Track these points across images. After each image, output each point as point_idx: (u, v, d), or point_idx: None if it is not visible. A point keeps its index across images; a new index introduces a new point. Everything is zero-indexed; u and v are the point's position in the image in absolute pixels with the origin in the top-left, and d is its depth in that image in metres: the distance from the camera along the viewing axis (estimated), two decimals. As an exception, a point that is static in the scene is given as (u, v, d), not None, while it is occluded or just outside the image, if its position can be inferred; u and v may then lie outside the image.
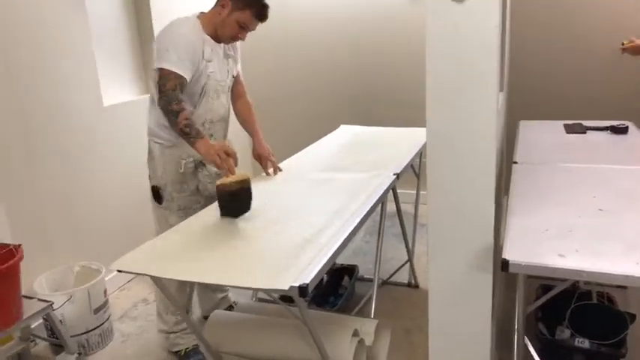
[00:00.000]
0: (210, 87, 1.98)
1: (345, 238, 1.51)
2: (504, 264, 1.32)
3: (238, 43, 2.14)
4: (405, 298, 2.61)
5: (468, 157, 1.45)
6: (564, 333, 2.06)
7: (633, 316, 2.00)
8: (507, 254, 1.34)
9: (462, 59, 1.40)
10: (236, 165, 1.79)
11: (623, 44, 2.83)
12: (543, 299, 1.56)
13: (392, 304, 2.54)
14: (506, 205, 1.69)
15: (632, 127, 2.54)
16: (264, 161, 2.18)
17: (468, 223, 1.49)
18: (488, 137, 1.43)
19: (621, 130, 2.51)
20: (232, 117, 2.22)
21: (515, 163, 2.11)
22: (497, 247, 1.68)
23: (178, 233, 1.63)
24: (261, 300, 2.11)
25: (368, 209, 1.71)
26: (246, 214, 1.72)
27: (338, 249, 1.45)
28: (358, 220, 1.63)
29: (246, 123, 2.27)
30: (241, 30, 1.97)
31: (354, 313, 2.41)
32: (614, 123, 2.57)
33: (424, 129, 2.65)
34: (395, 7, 3.48)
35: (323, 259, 1.38)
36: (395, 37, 3.54)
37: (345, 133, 2.78)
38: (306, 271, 1.32)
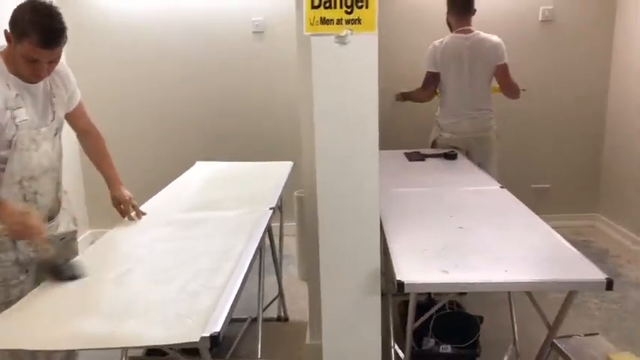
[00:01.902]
0: (22, 138, 1.64)
1: (243, 279, 1.45)
2: (400, 285, 1.40)
3: (70, 73, 1.87)
4: (278, 332, 2.58)
5: (355, 187, 1.53)
6: (430, 343, 2.25)
7: (482, 318, 2.28)
8: (400, 276, 1.43)
9: (347, 96, 1.48)
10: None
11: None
12: (426, 315, 1.70)
13: (265, 341, 2.49)
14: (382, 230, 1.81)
15: (459, 154, 2.94)
16: (126, 206, 1.97)
17: (356, 250, 1.56)
18: (373, 167, 1.53)
19: (452, 157, 2.89)
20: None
21: (377, 190, 2.27)
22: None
23: (40, 299, 1.38)
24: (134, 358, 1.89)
25: (256, 247, 1.67)
26: (121, 269, 1.54)
27: (239, 291, 1.38)
28: (249, 259, 1.58)
29: (100, 165, 2.02)
30: (32, 65, 1.58)
31: (229, 356, 2.31)
32: (446, 150, 2.95)
33: (285, 162, 2.69)
34: (240, 41, 3.52)
35: (227, 304, 1.30)
36: (243, 72, 3.57)
37: (204, 169, 2.69)
38: (212, 318, 1.23)
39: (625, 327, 2.52)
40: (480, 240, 1.70)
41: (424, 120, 3.31)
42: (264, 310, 2.59)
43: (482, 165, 3.13)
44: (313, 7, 1.48)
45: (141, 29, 3.53)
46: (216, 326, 1.19)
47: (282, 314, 2.68)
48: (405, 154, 2.99)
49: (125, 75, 3.60)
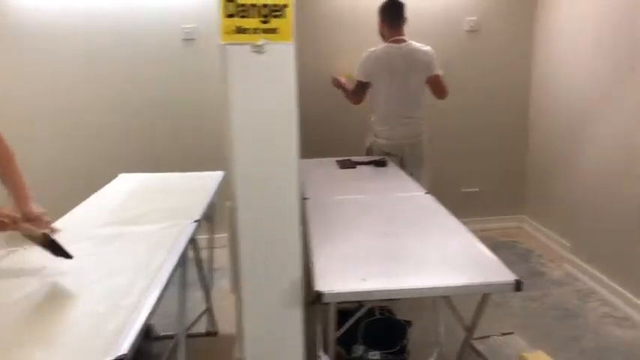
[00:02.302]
0: None
1: (158, 297, 1.39)
2: (318, 296, 1.40)
3: None
4: (207, 348, 2.52)
5: (274, 196, 1.52)
6: (359, 350, 2.26)
7: (410, 323, 2.32)
8: (319, 286, 1.43)
9: (265, 106, 1.47)
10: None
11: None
12: (348, 324, 1.71)
13: (193, 357, 2.42)
14: (307, 240, 1.80)
15: (389, 161, 3.00)
16: (38, 223, 1.86)
17: (276, 261, 1.55)
18: (292, 176, 1.52)
19: (382, 164, 2.94)
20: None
21: (306, 199, 2.27)
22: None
23: None
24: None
25: (176, 261, 1.62)
26: (25, 291, 1.45)
27: (152, 310, 1.33)
28: (167, 274, 1.52)
29: (5, 178, 1.88)
30: None
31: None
32: (376, 158, 3.00)
33: (216, 172, 2.63)
34: (169, 48, 3.43)
35: (135, 324, 1.24)
36: (171, 80, 3.48)
37: (128, 182, 2.59)
38: (119, 340, 1.18)
39: (544, 324, 2.64)
40: (401, 246, 1.72)
41: (362, 126, 3.35)
42: (192, 325, 2.54)
43: (416, 170, 3.22)
44: (228, 15, 1.46)
45: (61, 31, 3.35)
46: (122, 349, 1.14)
47: (212, 329, 2.62)
48: (337, 161, 3.02)
49: (43, 82, 3.40)
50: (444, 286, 1.43)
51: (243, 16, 1.46)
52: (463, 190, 3.95)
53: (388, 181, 2.63)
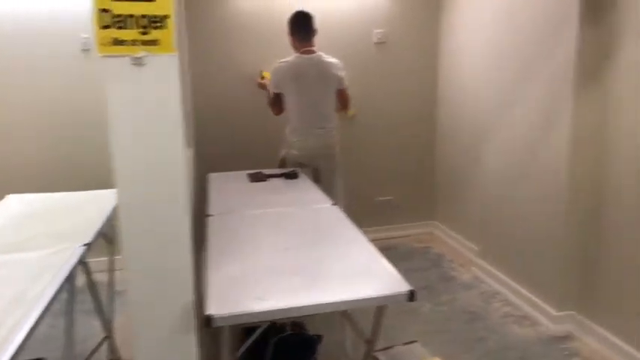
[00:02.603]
0: None
1: (30, 329, 1.27)
2: (208, 320, 1.34)
3: None
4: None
5: (161, 218, 1.44)
6: (270, 368, 2.21)
7: (321, 338, 2.30)
8: (210, 309, 1.36)
9: (147, 122, 1.39)
10: None
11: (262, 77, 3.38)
12: (246, 345, 1.65)
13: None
14: (205, 259, 1.73)
15: (300, 173, 2.98)
16: None
17: (167, 286, 1.48)
18: (180, 196, 1.45)
19: (293, 176, 2.92)
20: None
21: (209, 215, 2.20)
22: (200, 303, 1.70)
23: None
24: None
25: (55, 290, 1.49)
26: None
27: (22, 343, 1.20)
28: (43, 304, 1.39)
29: None
30: None
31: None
32: (286, 170, 2.97)
33: (111, 190, 2.46)
34: (67, 60, 3.23)
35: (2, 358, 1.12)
36: (68, 92, 3.27)
37: (14, 204, 2.39)
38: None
39: (452, 328, 2.72)
40: (302, 261, 1.70)
41: (279, 138, 3.32)
42: (91, 354, 2.37)
43: (330, 180, 3.25)
44: (103, 27, 1.38)
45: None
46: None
47: (113, 356, 2.45)
48: (248, 175, 2.96)
49: None
50: (338, 301, 1.41)
51: (120, 27, 1.38)
52: (377, 199, 4.01)
53: (297, 194, 2.61)
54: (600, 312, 2.49)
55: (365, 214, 3.90)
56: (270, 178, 2.90)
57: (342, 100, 3.24)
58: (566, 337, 2.59)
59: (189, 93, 3.06)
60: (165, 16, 1.40)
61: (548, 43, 2.58)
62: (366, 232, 1.92)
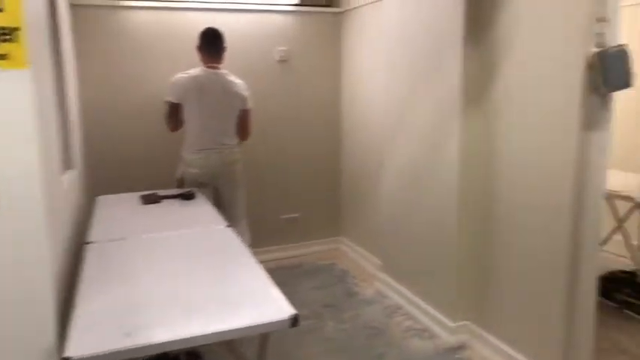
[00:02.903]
0: None
1: None
2: (66, 362, 1.21)
3: None
4: None
5: (13, 252, 1.29)
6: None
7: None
8: (68, 350, 1.23)
9: (-11, 144, 1.25)
10: None
11: None
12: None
13: None
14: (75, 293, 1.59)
15: (197, 193, 2.87)
16: None
17: (25, 328, 1.32)
18: (39, 226, 1.31)
19: (189, 197, 2.80)
20: None
21: (89, 243, 2.03)
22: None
23: None
24: None
25: None
26: None
27: None
28: None
29: None
30: None
31: None
32: (183, 191, 2.85)
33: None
34: None
35: None
36: None
37: None
38: None
39: (354, 345, 2.72)
40: (183, 289, 1.60)
41: (175, 157, 3.19)
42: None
43: (232, 199, 3.17)
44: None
45: None
46: None
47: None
48: (141, 196, 2.80)
49: None
50: (211, 333, 1.33)
51: (-38, 39, 1.23)
52: (283, 216, 3.97)
53: (191, 216, 2.50)
54: (491, 321, 2.59)
55: (270, 232, 3.87)
56: (165, 200, 2.76)
57: (245, 122, 3.19)
58: (461, 347, 2.67)
59: (75, 111, 2.86)
60: (16, 29, 1.27)
61: (438, 63, 2.69)
62: (271, 251, 1.88)
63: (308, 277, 3.60)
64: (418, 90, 2.89)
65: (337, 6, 3.89)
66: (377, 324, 2.94)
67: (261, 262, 3.37)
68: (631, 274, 3.15)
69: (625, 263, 3.35)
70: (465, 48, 2.49)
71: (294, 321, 1.42)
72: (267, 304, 1.50)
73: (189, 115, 3.04)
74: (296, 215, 4.02)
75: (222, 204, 3.23)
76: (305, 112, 3.93)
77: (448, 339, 2.72)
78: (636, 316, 2.88)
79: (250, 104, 3.17)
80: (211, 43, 3.06)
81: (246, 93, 3.13)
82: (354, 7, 3.69)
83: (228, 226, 2.28)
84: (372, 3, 3.45)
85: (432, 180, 2.81)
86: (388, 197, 3.30)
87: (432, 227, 2.84)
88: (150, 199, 2.75)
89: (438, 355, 2.62)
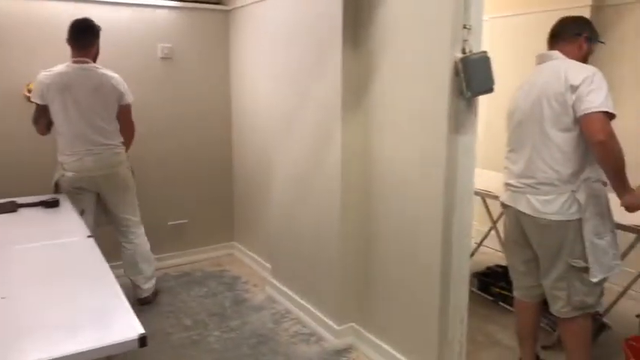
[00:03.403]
0: None
1: None
2: None
3: None
4: None
5: None
6: None
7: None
8: None
9: None
10: None
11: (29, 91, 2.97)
12: None
13: None
14: None
15: (63, 200, 2.61)
16: None
17: None
18: None
19: (53, 205, 2.54)
20: None
21: None
22: None
23: None
24: None
25: None
26: None
27: None
28: None
29: None
30: None
31: None
32: (45, 197, 2.58)
33: None
34: None
35: None
36: None
37: None
38: None
39: (240, 355, 2.62)
40: (16, 311, 1.41)
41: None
42: None
43: (116, 204, 2.98)
44: None
45: None
46: None
47: None
48: (-4, 205, 2.49)
49: None
50: (54, 358, 1.17)
51: None
52: (170, 222, 3.77)
53: (50, 226, 2.26)
54: (374, 322, 2.61)
55: (157, 240, 3.64)
56: (23, 208, 2.48)
57: (125, 119, 2.97)
58: (347, 350, 2.67)
59: None
60: None
61: (320, 64, 2.67)
62: (158, 260, 1.70)
63: (196, 286, 3.44)
64: (303, 91, 2.86)
65: (225, 4, 3.77)
66: (264, 331, 2.86)
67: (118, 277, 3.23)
68: (505, 269, 3.34)
69: (502, 258, 3.56)
70: (344, 49, 2.49)
71: (142, 341, 1.29)
72: (114, 325, 1.36)
73: (56, 116, 2.79)
74: (184, 221, 3.83)
75: (107, 210, 3.02)
76: (192, 113, 3.76)
77: (334, 342, 2.71)
78: (510, 308, 3.05)
79: (129, 99, 2.96)
80: (79, 35, 2.82)
81: (122, 87, 2.91)
82: (242, 6, 3.59)
83: (90, 236, 2.07)
84: (258, 2, 3.37)
85: (316, 182, 2.79)
86: (277, 200, 3.24)
87: (316, 229, 2.82)
88: (4, 208, 2.45)
89: (324, 359, 2.59)
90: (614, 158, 1.90)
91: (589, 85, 1.88)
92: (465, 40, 2.05)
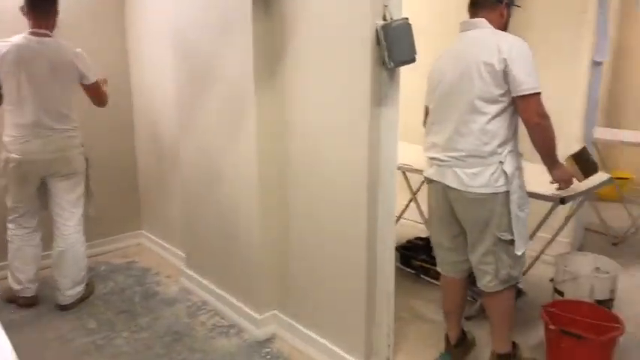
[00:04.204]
0: None
1: None
2: None
3: None
4: None
5: None
6: None
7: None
8: None
9: None
10: None
11: None
12: None
13: None
14: None
15: None
16: None
17: None
18: None
19: None
20: None
21: None
22: None
23: None
24: None
25: None
26: None
27: None
28: None
29: None
30: None
31: None
32: None
33: None
34: None
35: None
36: None
37: None
38: None
39: (149, 356, 2.38)
40: None
41: None
42: None
43: (66, 191, 2.73)
44: None
45: None
46: None
47: None
48: None
49: None
50: None
51: None
52: (66, 213, 3.36)
53: None
54: (297, 309, 2.48)
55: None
56: None
57: (94, 97, 2.79)
58: (270, 340, 2.52)
59: None
60: None
61: (230, 38, 2.42)
62: None
63: (100, 281, 3.10)
64: (210, 65, 2.59)
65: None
66: (179, 327, 2.63)
67: (44, 268, 2.86)
68: (427, 241, 3.32)
69: (422, 230, 3.56)
70: (255, 14, 2.26)
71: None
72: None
73: (7, 90, 2.54)
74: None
75: (49, 197, 2.75)
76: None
77: (256, 333, 2.54)
78: (432, 280, 3.04)
79: (92, 78, 2.71)
80: (37, 2, 2.53)
81: (83, 65, 2.65)
82: (137, -32, 3.21)
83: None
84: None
85: (230, 162, 2.56)
86: (188, 185, 2.96)
87: (233, 214, 2.61)
88: None
89: (245, 352, 2.42)
90: (549, 138, 1.93)
91: (523, 62, 1.86)
92: (385, 6, 1.91)
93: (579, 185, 2.28)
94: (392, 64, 1.91)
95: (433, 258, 2.36)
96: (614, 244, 3.73)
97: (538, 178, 2.22)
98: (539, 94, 1.87)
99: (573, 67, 3.16)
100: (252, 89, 2.32)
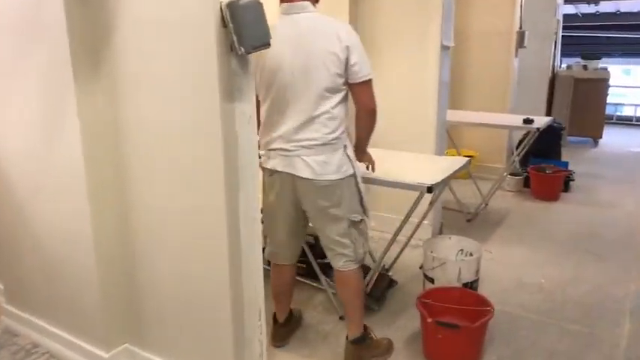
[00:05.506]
0: None
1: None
2: None
3: None
4: None
5: None
6: None
7: None
8: None
9: None
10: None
11: None
12: None
13: None
14: None
15: None
16: None
17: None
18: None
19: None
20: None
21: None
22: None
23: None
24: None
25: None
26: None
27: None
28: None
29: None
30: None
31: None
32: None
33: None
34: None
35: None
36: None
37: None
38: None
39: None
40: None
41: None
42: None
43: None
44: None
45: None
46: None
47: None
48: None
49: None
50: None
51: None
52: None
53: None
54: (152, 338, 2.10)
55: None
56: None
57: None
58: (124, 379, 2.13)
59: None
60: None
61: (38, 31, 1.93)
62: None
63: None
64: (17, 66, 2.07)
65: None
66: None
67: None
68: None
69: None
70: (68, 9, 1.81)
71: None
72: None
73: None
74: None
75: None
76: None
77: (107, 372, 2.12)
78: (300, 279, 2.87)
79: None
80: None
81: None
82: None
83: None
84: None
85: (51, 174, 2.08)
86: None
87: (58, 235, 2.14)
88: None
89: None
90: (375, 122, 2.05)
91: (359, 48, 1.92)
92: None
93: (443, 172, 2.29)
94: (242, 49, 1.63)
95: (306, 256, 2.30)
96: (468, 221, 3.92)
97: (405, 166, 2.21)
98: (372, 79, 1.96)
99: (425, 52, 3.18)
100: (73, 85, 1.86)
